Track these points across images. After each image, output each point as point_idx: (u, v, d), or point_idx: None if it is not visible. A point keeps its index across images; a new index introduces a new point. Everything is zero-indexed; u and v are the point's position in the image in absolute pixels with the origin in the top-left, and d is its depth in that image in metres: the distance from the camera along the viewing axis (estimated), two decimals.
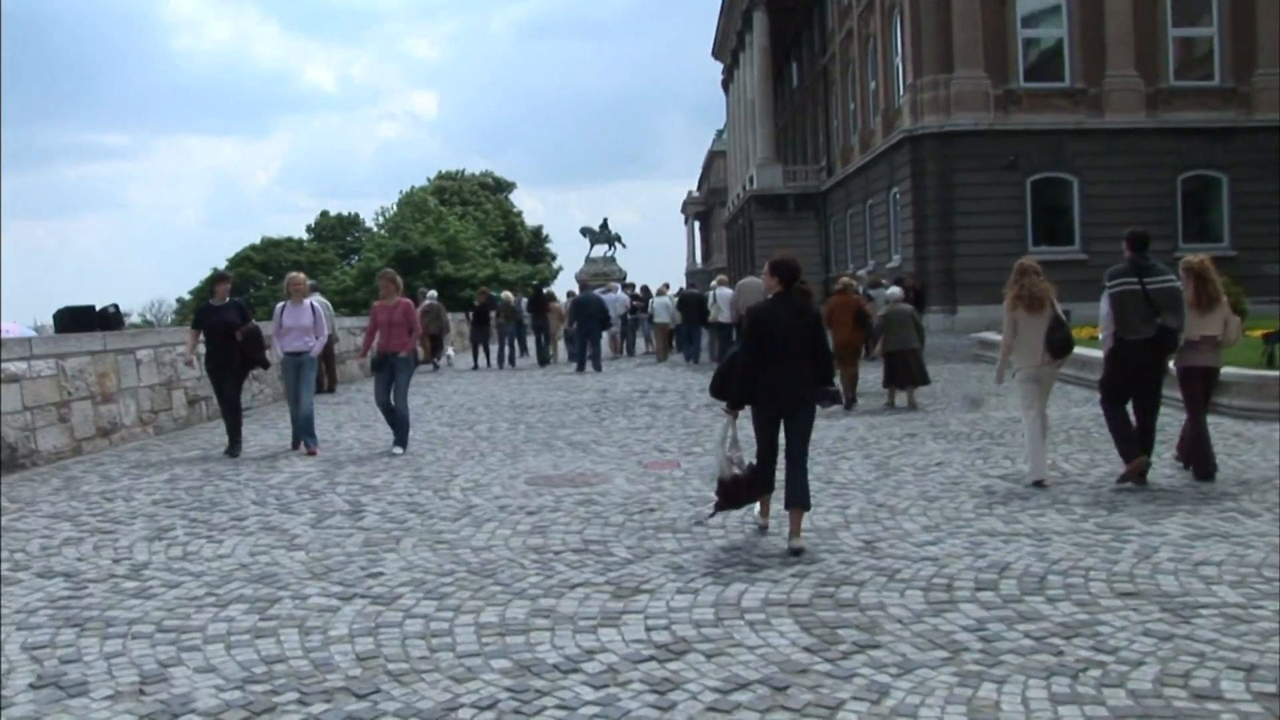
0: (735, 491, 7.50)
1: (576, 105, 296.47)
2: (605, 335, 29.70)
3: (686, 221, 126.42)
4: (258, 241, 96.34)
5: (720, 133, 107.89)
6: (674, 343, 28.88)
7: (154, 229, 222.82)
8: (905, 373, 15.54)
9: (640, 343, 31.47)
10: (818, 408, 7.67)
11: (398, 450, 11.90)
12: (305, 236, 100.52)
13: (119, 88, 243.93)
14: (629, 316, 30.23)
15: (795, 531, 7.15)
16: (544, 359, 27.73)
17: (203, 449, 12.91)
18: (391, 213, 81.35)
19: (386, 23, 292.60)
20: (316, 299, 21.00)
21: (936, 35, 34.56)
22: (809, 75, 56.91)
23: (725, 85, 73.73)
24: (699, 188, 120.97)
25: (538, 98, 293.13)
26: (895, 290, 17.26)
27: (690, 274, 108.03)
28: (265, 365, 13.09)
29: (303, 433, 12.31)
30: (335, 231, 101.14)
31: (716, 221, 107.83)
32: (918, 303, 22.55)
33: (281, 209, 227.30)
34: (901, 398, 15.76)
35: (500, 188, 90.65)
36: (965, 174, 34.35)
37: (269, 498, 9.39)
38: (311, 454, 12.07)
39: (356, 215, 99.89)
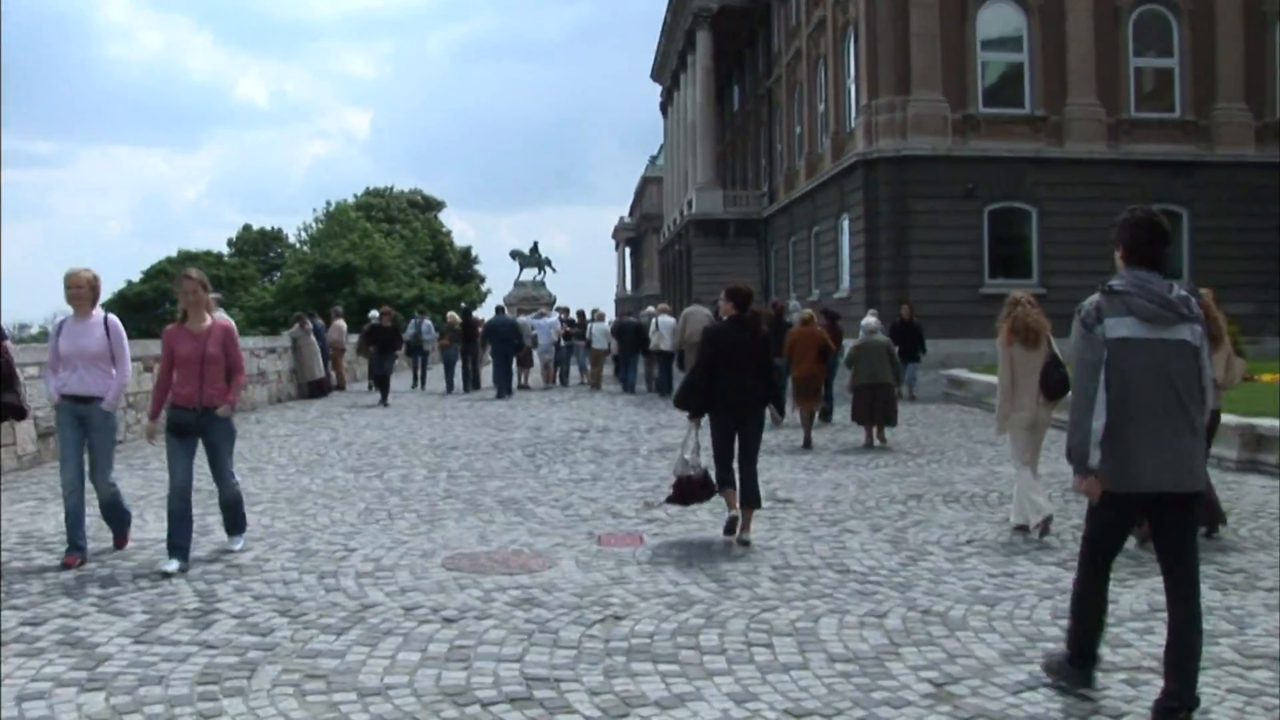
0: (689, 491, 8.57)
1: (510, 128, 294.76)
2: (537, 363, 27.58)
3: (617, 247, 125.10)
4: (175, 254, 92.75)
5: (654, 158, 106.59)
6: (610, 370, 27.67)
7: (78, 240, 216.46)
8: (878, 407, 14.61)
9: (574, 371, 29.12)
10: (768, 421, 8.79)
11: (237, 545, 7.98)
12: (226, 250, 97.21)
13: (46, 94, 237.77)
14: (562, 343, 27.93)
15: (746, 527, 8.28)
16: (471, 385, 26.23)
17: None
18: (314, 228, 78.61)
19: (323, 39, 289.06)
20: (219, 313, 18.71)
21: (894, 55, 32.76)
22: (752, 98, 55.14)
23: (664, 108, 71.86)
24: (631, 213, 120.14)
25: (472, 120, 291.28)
26: (871, 320, 15.79)
27: (620, 300, 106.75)
28: (18, 414, 7.96)
29: (111, 521, 8.02)
30: (257, 247, 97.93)
31: (648, 248, 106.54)
32: (914, 339, 21.51)
33: (209, 223, 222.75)
34: (878, 433, 14.82)
35: (429, 206, 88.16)
36: (921, 200, 32.52)
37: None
38: (121, 545, 8.02)
39: (279, 230, 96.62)
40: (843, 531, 8.63)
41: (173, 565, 7.23)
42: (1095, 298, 4.76)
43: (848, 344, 17.10)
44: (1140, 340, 4.59)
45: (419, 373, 27.39)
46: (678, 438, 10.10)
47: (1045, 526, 8.29)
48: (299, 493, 10.53)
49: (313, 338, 24.74)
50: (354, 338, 30.02)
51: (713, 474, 8.56)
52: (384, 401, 22.06)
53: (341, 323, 28.02)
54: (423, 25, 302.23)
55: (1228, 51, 33.58)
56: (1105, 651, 5.22)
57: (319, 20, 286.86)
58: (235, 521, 8.18)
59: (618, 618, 6.08)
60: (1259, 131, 33.85)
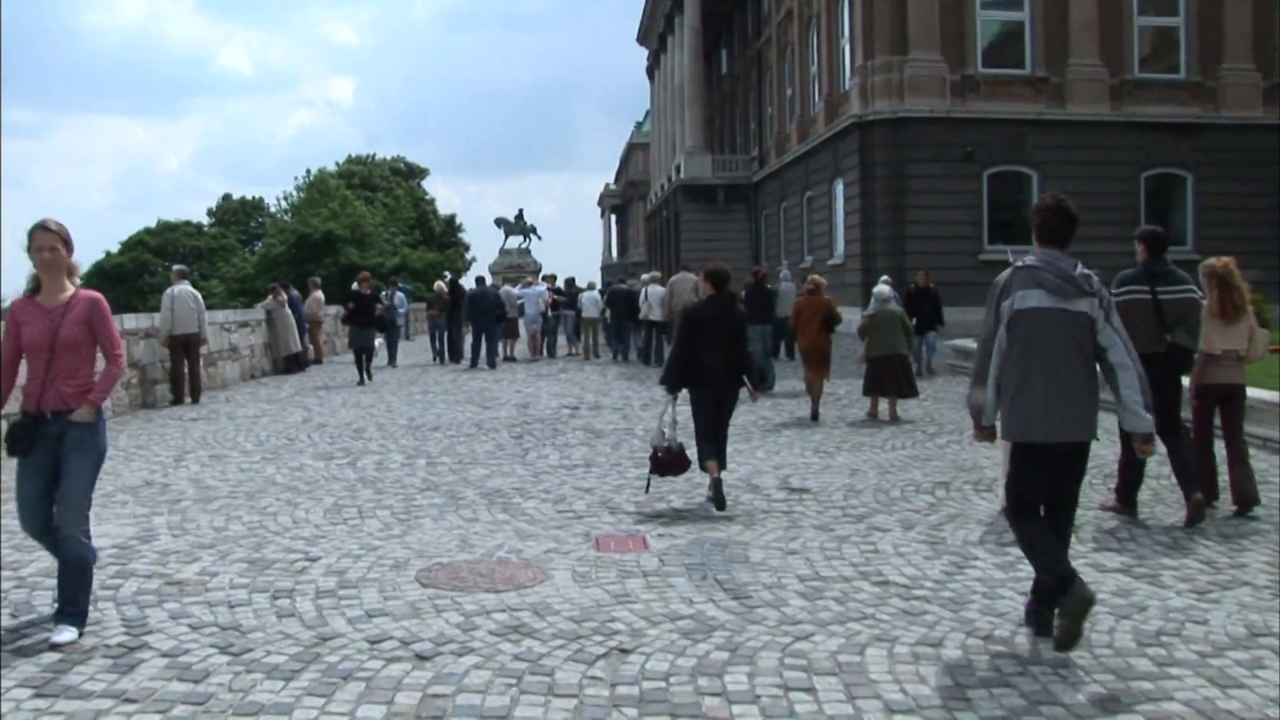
0: (667, 462, 8.82)
1: (495, 96, 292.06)
2: (524, 334, 26.55)
3: (603, 215, 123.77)
4: (153, 225, 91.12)
5: (639, 125, 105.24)
6: (601, 340, 26.98)
7: (59, 211, 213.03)
8: (891, 381, 13.94)
9: (561, 342, 28.02)
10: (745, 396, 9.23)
11: (64, 635, 5.25)
12: (206, 220, 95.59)
13: (26, 64, 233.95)
14: (549, 313, 26.84)
15: (714, 478, 8.61)
16: (457, 355, 25.44)
17: None
18: (295, 196, 77.24)
19: (307, 7, 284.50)
20: (184, 286, 17.65)
21: (890, 14, 31.66)
22: (741, 61, 53.92)
23: (650, 72, 70.55)
24: (616, 180, 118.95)
25: (457, 88, 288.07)
26: (884, 288, 15.04)
27: (606, 268, 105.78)
28: None
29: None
30: (238, 216, 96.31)
31: (633, 215, 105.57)
32: (931, 307, 20.14)
33: (192, 194, 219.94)
34: (884, 408, 14.19)
35: (413, 174, 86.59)
36: (918, 164, 31.53)
37: None
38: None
39: (260, 199, 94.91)
40: (871, 530, 7.65)
41: (66, 634, 5.26)
42: (1008, 272, 5.44)
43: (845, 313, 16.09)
44: (1046, 309, 5.26)
45: (391, 349, 25.63)
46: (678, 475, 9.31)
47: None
48: (261, 485, 9.50)
49: (288, 310, 23.62)
50: (333, 309, 28.99)
51: (690, 450, 8.95)
52: (362, 378, 20.28)
53: (319, 294, 26.87)
54: None
55: (1235, 10, 32.76)
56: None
57: None
58: (71, 599, 5.41)
59: (624, 651, 5.10)
60: (1267, 92, 33.06)
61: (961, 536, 7.44)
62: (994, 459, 10.48)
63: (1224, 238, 30.97)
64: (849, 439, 12.23)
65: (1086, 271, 5.38)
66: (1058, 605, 5.11)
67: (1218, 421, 8.38)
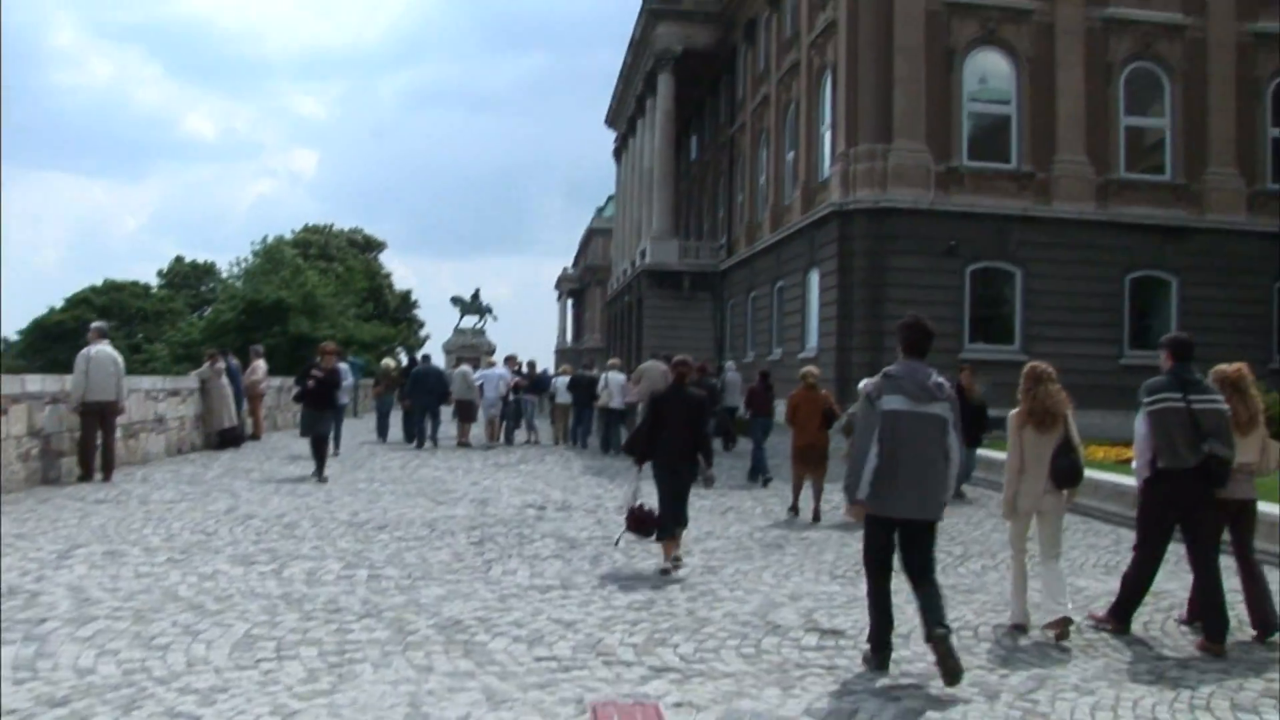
0: (641, 519, 9.85)
1: (457, 176, 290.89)
2: (482, 419, 24.75)
3: (560, 298, 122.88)
4: (99, 284, 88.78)
5: (601, 210, 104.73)
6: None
7: (10, 267, 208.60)
8: None
9: (520, 431, 26.08)
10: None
11: None
12: (156, 282, 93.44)
13: None
14: (511, 397, 25.03)
15: (668, 555, 9.63)
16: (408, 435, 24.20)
17: None
18: (248, 263, 75.40)
19: (275, 78, 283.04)
20: (102, 347, 15.61)
21: (875, 102, 30.54)
22: (711, 147, 52.93)
23: (617, 154, 69.48)
24: (575, 264, 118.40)
25: (419, 165, 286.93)
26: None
27: (561, 352, 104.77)
28: None
29: None
30: (189, 280, 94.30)
31: (591, 300, 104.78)
32: (974, 416, 16.01)
33: (147, 257, 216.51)
34: None
35: (370, 246, 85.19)
36: (899, 256, 30.21)
37: None
38: None
39: (212, 264, 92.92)
40: (941, 700, 5.92)
41: None
42: (877, 378, 6.74)
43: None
44: (905, 411, 6.48)
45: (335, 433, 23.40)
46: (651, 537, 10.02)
47: (1063, 629, 7.37)
48: (159, 600, 7.61)
49: (225, 380, 21.72)
50: (276, 381, 27.07)
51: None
52: (322, 473, 16.33)
53: (261, 363, 24.93)
54: (376, 69, 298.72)
55: (1219, 115, 32.02)
56: None
57: (272, 58, 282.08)
58: None
59: None
60: (1250, 198, 32.21)
61: (1068, 710, 5.74)
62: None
63: (1208, 343, 29.49)
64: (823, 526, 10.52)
65: (940, 380, 6.62)
66: (866, 660, 6.62)
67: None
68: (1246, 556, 7.80)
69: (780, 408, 21.54)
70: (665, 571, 9.39)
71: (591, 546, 10.70)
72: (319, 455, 16.51)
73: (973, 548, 11.45)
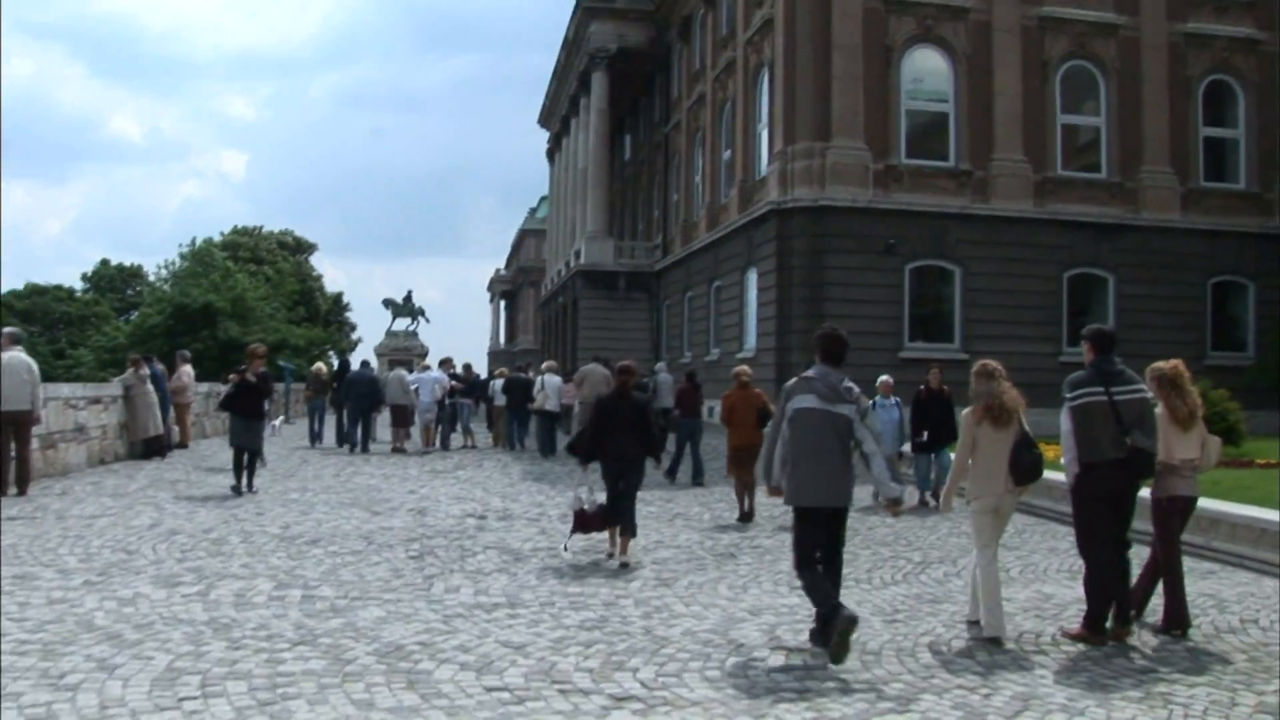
0: (586, 520, 10.41)
1: (389, 178, 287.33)
2: (418, 424, 24.15)
3: (492, 300, 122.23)
4: (20, 288, 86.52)
5: (534, 211, 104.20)
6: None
7: None
8: None
9: (457, 435, 25.45)
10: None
11: None
12: (80, 286, 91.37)
13: None
14: (448, 402, 24.44)
15: (624, 550, 10.12)
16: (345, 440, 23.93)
17: None
18: (176, 265, 73.90)
19: (203, 78, 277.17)
20: (15, 354, 14.80)
21: (813, 100, 30.29)
22: (646, 146, 52.56)
23: (550, 155, 68.92)
24: (507, 266, 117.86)
25: (350, 167, 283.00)
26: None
27: (493, 354, 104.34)
28: None
29: None
30: (115, 283, 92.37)
31: (524, 301, 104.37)
32: (945, 416, 15.44)
33: (71, 261, 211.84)
34: None
35: (300, 248, 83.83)
36: (838, 255, 30.01)
37: None
38: None
39: (139, 267, 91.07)
40: None
41: None
42: (795, 380, 7.46)
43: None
44: (817, 409, 7.18)
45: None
46: (600, 533, 10.59)
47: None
48: (70, 632, 7.00)
49: (149, 386, 20.91)
50: (204, 387, 26.27)
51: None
52: (240, 486, 15.17)
53: (188, 368, 24.14)
54: (307, 70, 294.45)
55: (1153, 114, 32.31)
56: None
57: (200, 59, 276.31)
58: None
59: None
60: (1184, 197, 32.44)
61: None
62: (1022, 602, 8.50)
63: (1144, 340, 30.06)
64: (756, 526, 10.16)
65: (850, 385, 7.27)
66: (814, 638, 7.08)
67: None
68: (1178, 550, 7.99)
69: (711, 408, 21.34)
70: (611, 555, 10.22)
71: (537, 559, 10.22)
72: (248, 467, 15.43)
73: (931, 554, 11.12)
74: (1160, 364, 8.02)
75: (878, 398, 15.65)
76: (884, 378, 16.41)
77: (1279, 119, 32.94)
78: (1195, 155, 32.88)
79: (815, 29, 30.21)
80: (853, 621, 6.62)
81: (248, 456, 15.52)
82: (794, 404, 7.23)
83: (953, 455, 15.83)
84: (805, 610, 7.93)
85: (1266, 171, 33.07)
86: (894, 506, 7.43)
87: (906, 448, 16.36)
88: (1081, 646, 7.31)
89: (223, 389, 18.19)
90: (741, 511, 13.49)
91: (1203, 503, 11.15)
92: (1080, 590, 7.95)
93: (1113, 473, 7.42)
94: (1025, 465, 7.62)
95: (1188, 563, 8.94)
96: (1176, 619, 7.70)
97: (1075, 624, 7.70)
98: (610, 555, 10.21)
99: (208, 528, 11.74)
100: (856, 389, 7.27)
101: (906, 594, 9.01)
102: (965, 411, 7.96)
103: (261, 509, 13.51)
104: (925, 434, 15.28)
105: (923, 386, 15.95)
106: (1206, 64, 32.82)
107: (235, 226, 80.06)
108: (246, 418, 15.78)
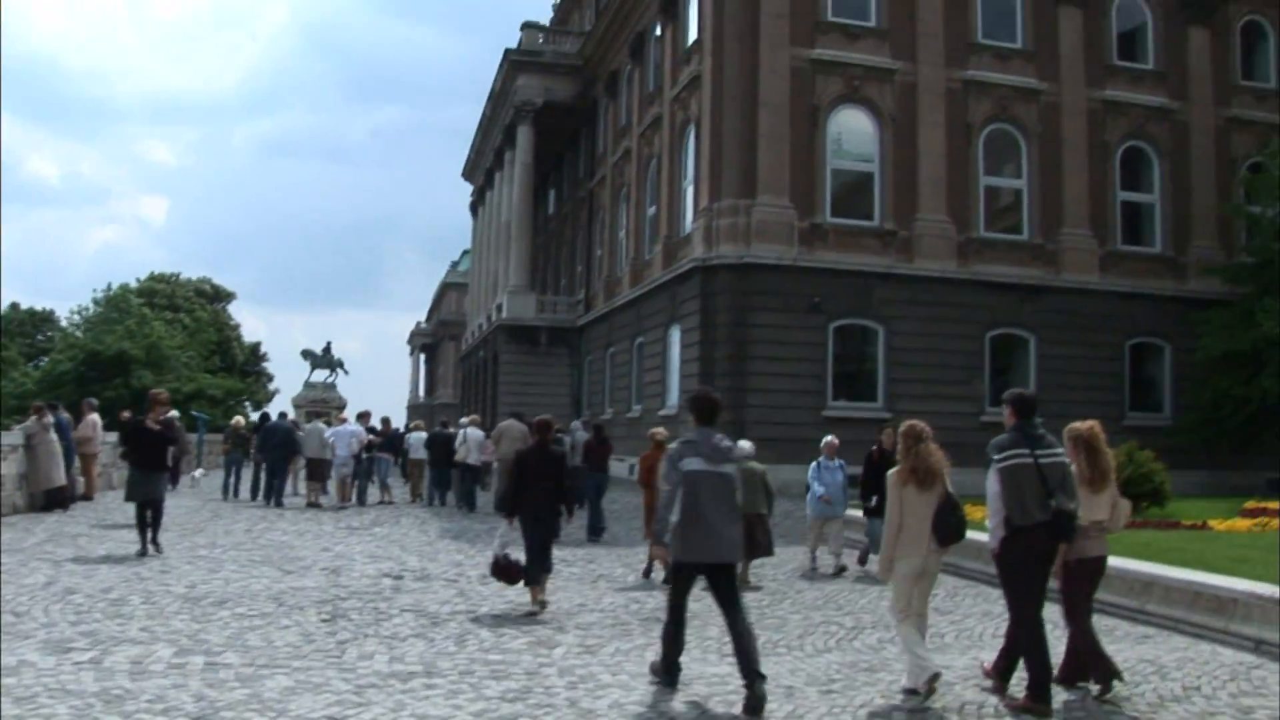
0: (506, 568, 10.91)
1: (311, 227, 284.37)
2: (334, 478, 23.51)
3: (412, 353, 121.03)
4: None
5: (455, 264, 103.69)
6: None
7: None
8: (750, 542, 12.60)
9: (374, 489, 24.77)
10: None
11: None
12: None
13: None
14: (364, 456, 23.85)
15: (534, 599, 10.69)
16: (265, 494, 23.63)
17: None
18: (90, 311, 72.26)
19: (125, 121, 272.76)
20: None
21: (739, 156, 30.30)
22: (570, 201, 52.43)
23: (474, 208, 68.54)
24: (428, 319, 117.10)
25: (273, 216, 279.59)
26: (746, 445, 13.73)
27: (412, 407, 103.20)
28: None
29: None
30: (25, 328, 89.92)
31: (444, 355, 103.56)
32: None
33: None
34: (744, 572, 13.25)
35: (218, 296, 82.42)
36: (763, 313, 29.90)
37: None
38: None
39: (51, 312, 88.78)
40: None
41: None
42: (679, 443, 7.92)
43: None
44: (702, 471, 7.57)
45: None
46: (520, 595, 11.00)
47: (932, 685, 7.41)
48: None
49: (53, 435, 20.11)
50: (113, 436, 25.36)
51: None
52: (145, 546, 14.10)
53: (95, 417, 23.30)
54: (230, 116, 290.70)
55: (1073, 177, 32.93)
56: None
57: (123, 102, 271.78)
58: None
59: None
60: (1103, 259, 32.97)
61: None
62: (963, 669, 8.22)
63: (1064, 401, 30.30)
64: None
65: (730, 444, 7.90)
66: (657, 672, 7.82)
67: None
68: (1088, 611, 8.03)
69: (632, 466, 21.04)
70: (532, 614, 10.46)
71: (456, 623, 9.76)
72: (150, 524, 14.29)
73: (863, 618, 10.85)
74: (1077, 425, 8.12)
75: (822, 458, 15.33)
76: (829, 438, 15.96)
77: (1192, 185, 33.82)
78: (1113, 218, 33.49)
79: (742, 87, 30.30)
80: (762, 699, 7.01)
81: (151, 513, 14.40)
82: (682, 466, 7.56)
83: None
84: (737, 680, 7.57)
85: (1180, 235, 33.84)
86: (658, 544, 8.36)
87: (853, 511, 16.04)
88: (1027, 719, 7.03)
89: (119, 439, 17.39)
90: (662, 573, 13.12)
91: (1136, 566, 11.26)
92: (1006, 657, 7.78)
93: (1039, 535, 7.47)
94: (949, 527, 7.72)
95: (1123, 627, 9.22)
96: (1092, 672, 7.79)
97: (1020, 694, 7.44)
98: (531, 614, 10.38)
99: (107, 587, 11.12)
100: (734, 447, 8.05)
101: (841, 661, 8.70)
102: (890, 473, 8.04)
103: (167, 566, 12.89)
104: (875, 499, 14.76)
105: (875, 447, 15.28)
106: (1123, 130, 33.54)
107: (153, 273, 78.70)
108: (147, 469, 14.65)
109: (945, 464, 7.89)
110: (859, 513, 15.80)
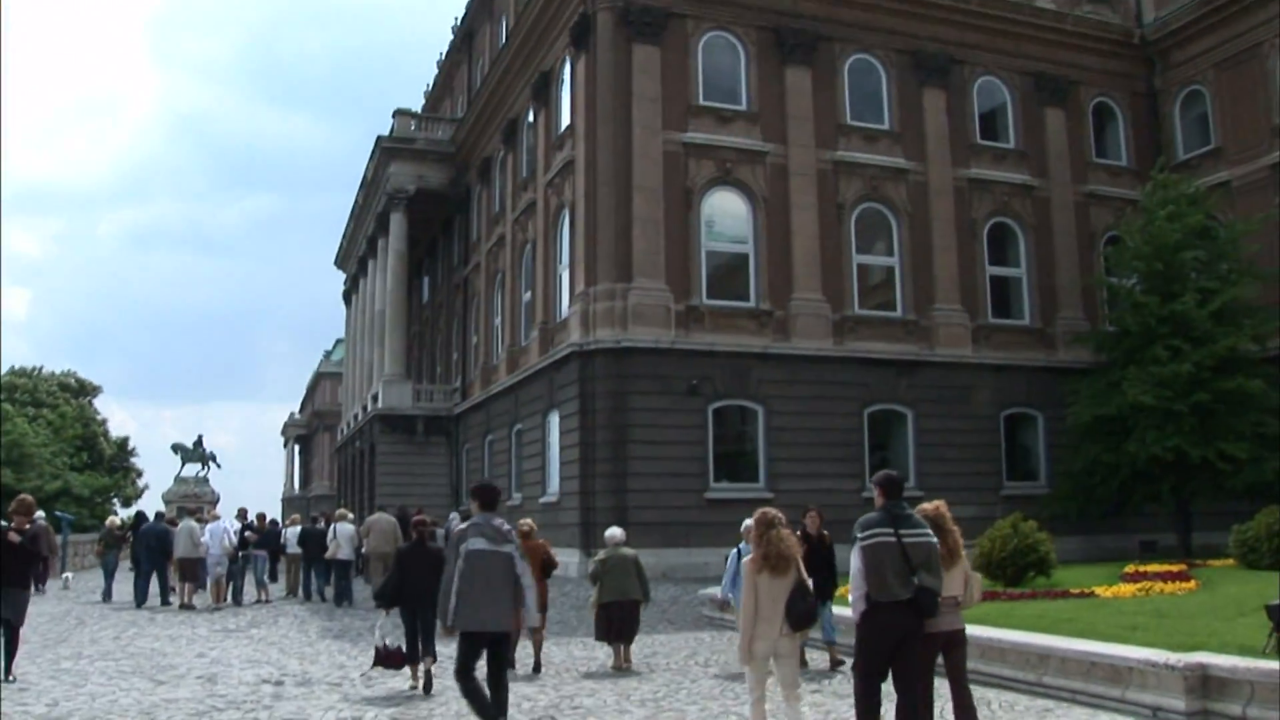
0: (388, 656, 11.76)
1: (181, 318, 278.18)
2: (209, 580, 22.53)
3: (286, 445, 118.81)
4: None
5: (329, 353, 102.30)
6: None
7: None
8: (626, 627, 13.74)
9: (250, 587, 23.83)
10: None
11: None
12: None
13: None
14: (240, 554, 23.00)
15: (428, 673, 11.65)
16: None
17: None
18: None
19: None
20: None
21: (614, 240, 30.16)
22: (445, 288, 51.91)
23: (347, 296, 67.60)
24: (302, 410, 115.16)
25: (141, 307, 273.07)
26: (616, 531, 14.58)
27: (287, 500, 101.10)
28: None
29: None
30: None
31: (318, 446, 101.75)
32: (825, 563, 13.93)
33: None
34: (624, 654, 13.77)
35: (84, 391, 79.68)
36: (642, 396, 29.61)
37: None
38: None
39: None
40: None
41: None
42: (464, 525, 9.05)
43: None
44: (484, 550, 8.68)
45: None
46: (403, 689, 11.28)
47: None
48: None
49: None
50: None
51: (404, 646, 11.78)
52: (4, 674, 12.36)
53: None
54: (97, 206, 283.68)
55: (943, 254, 33.57)
56: None
57: None
58: None
59: None
60: (974, 332, 33.60)
61: None
62: None
63: (943, 474, 30.98)
64: (632, 697, 9.37)
65: (509, 528, 9.05)
66: None
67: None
68: (962, 683, 8.26)
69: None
70: (414, 688, 11.59)
71: None
72: (7, 648, 12.50)
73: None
74: (924, 505, 8.43)
75: (742, 544, 14.44)
76: (749, 522, 15.31)
77: (1056, 258, 34.79)
78: (983, 293, 34.15)
79: (616, 171, 30.29)
80: None
81: (6, 636, 12.59)
82: (466, 545, 8.66)
83: (835, 611, 14.72)
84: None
85: (1047, 307, 34.71)
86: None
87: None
88: None
89: None
90: (538, 664, 13.38)
91: (1031, 639, 11.10)
92: None
93: (899, 612, 7.79)
94: (798, 612, 8.20)
95: (1023, 701, 9.61)
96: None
97: None
98: (413, 688, 11.60)
99: None
100: (513, 530, 9.20)
101: None
102: (744, 561, 8.60)
103: (25, 684, 11.98)
104: (811, 581, 13.63)
105: (798, 532, 13.91)
106: (989, 207, 34.42)
107: (13, 367, 75.74)
108: (4, 586, 12.54)
109: (797, 549, 8.45)
110: None
